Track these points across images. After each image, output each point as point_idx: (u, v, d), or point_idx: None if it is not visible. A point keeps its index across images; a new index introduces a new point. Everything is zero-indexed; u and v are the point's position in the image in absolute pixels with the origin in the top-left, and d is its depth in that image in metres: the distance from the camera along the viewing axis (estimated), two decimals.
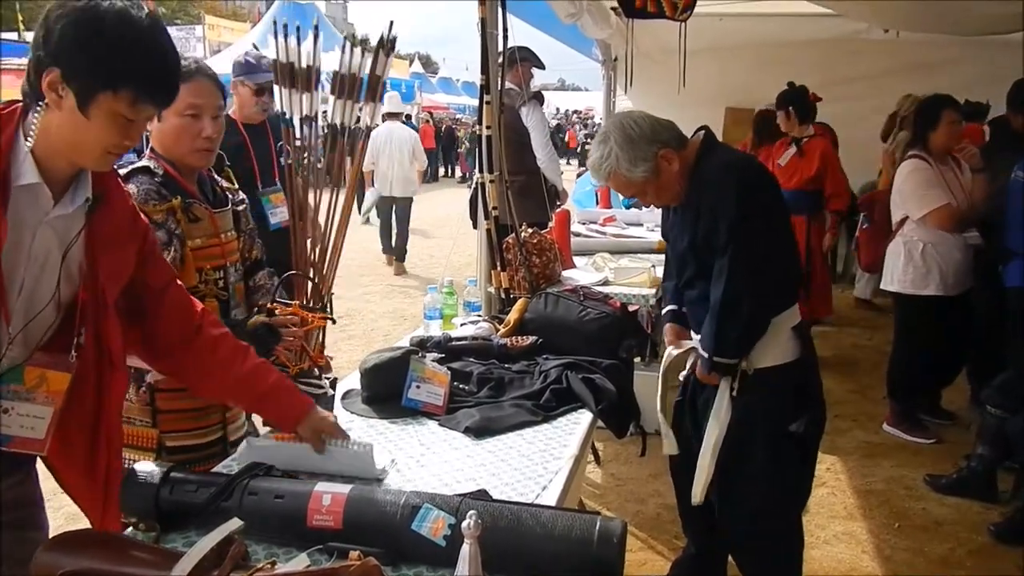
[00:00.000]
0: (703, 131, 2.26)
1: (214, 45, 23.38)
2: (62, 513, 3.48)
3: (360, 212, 11.26)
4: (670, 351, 2.37)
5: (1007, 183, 3.52)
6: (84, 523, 1.73)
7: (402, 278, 8.67)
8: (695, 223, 2.17)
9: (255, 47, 5.47)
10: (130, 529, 1.48)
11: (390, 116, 8.45)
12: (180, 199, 1.92)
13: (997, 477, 3.52)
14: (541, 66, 5.06)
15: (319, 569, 1.13)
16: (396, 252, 8.99)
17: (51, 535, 1.29)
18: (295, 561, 1.26)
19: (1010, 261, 3.56)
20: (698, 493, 2.26)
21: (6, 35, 21.64)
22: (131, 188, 1.82)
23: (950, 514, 3.42)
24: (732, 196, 2.07)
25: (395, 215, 8.89)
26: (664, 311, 2.49)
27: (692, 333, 2.35)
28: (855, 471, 3.83)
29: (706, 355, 2.17)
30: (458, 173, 22.42)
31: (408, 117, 22.64)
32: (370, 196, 9.67)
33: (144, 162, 1.95)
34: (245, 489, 1.46)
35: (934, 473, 3.70)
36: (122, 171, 1.85)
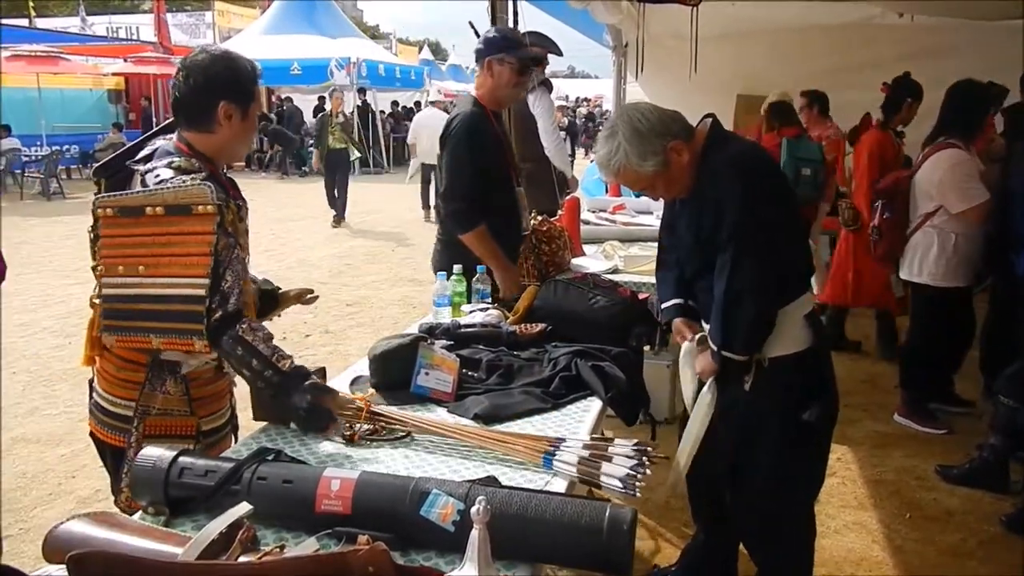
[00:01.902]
0: (709, 119, 2.22)
1: (224, 31, 23.38)
2: (73, 497, 3.52)
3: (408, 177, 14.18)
4: (686, 346, 2.32)
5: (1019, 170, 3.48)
6: (92, 509, 1.75)
7: (410, 269, 8.67)
8: (701, 215, 2.13)
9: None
10: (139, 513, 1.48)
11: (433, 104, 13.64)
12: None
13: (1009, 467, 3.50)
14: (558, 52, 5.00)
15: (327, 553, 1.13)
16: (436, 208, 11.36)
17: (63, 518, 1.29)
18: (304, 545, 1.25)
19: (1022, 250, 3.53)
20: (682, 463, 2.26)
21: (16, 21, 21.76)
22: (166, 172, 1.86)
23: (961, 504, 3.41)
24: (737, 189, 2.03)
25: (434, 179, 11.43)
26: (667, 305, 2.41)
27: (704, 324, 2.32)
28: (866, 461, 3.81)
29: (714, 347, 2.15)
30: None
31: (417, 104, 22.68)
32: (414, 164, 12.51)
33: (181, 159, 1.90)
34: (254, 473, 1.46)
35: (945, 463, 3.68)
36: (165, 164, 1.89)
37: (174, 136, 1.98)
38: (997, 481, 3.48)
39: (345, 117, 11.89)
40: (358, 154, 12.80)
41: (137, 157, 1.97)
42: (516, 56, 3.04)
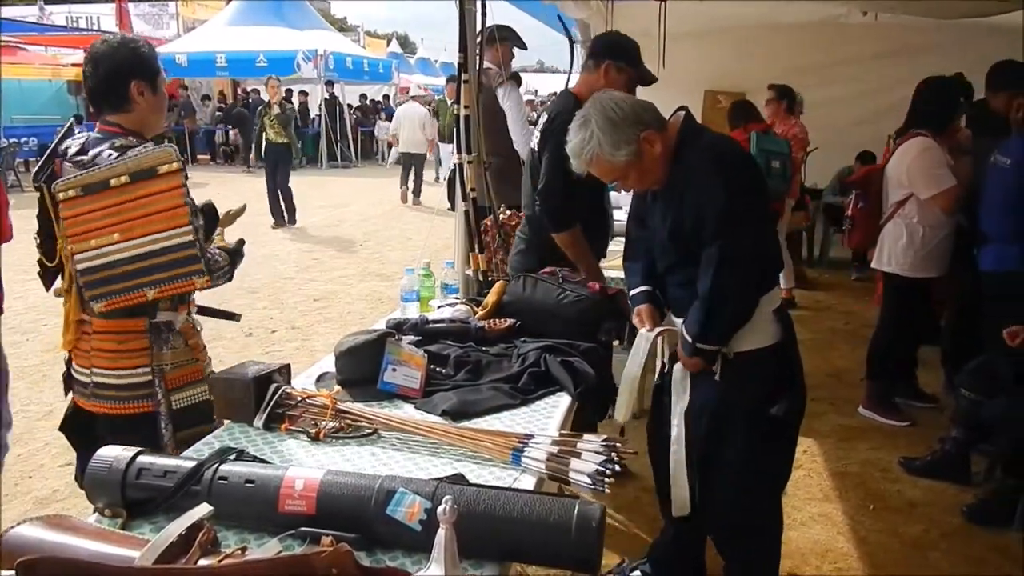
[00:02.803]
0: (682, 111, 2.22)
1: (188, 22, 23.00)
2: (30, 498, 3.43)
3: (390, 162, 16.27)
4: (646, 333, 2.31)
5: (984, 167, 3.54)
6: (50, 509, 1.70)
7: (378, 263, 8.60)
8: (678, 209, 2.12)
9: None
10: (95, 515, 1.44)
11: (413, 98, 14.29)
12: None
13: (970, 460, 3.56)
14: (523, 46, 4.99)
15: (290, 556, 1.10)
16: (414, 191, 12.96)
17: (19, 519, 1.25)
18: (266, 547, 1.22)
19: (985, 245, 3.59)
20: (682, 505, 2.29)
21: (25, 10, 21.05)
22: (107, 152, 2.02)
23: (924, 496, 3.46)
24: (719, 183, 2.02)
25: (413, 166, 12.99)
26: (635, 292, 2.40)
27: (672, 316, 2.32)
28: (831, 453, 3.86)
29: (689, 340, 2.14)
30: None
31: (386, 98, 22.49)
32: (394, 152, 14.22)
33: (119, 140, 2.06)
34: (215, 473, 1.43)
35: (909, 456, 3.73)
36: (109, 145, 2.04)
37: (92, 128, 2.16)
38: (959, 473, 3.54)
39: (283, 108, 10.56)
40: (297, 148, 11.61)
41: (71, 154, 2.08)
42: (637, 71, 2.90)
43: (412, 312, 2.76)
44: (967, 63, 4.62)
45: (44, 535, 1.23)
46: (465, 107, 3.37)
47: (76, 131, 2.19)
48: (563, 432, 1.84)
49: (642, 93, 2.73)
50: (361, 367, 2.10)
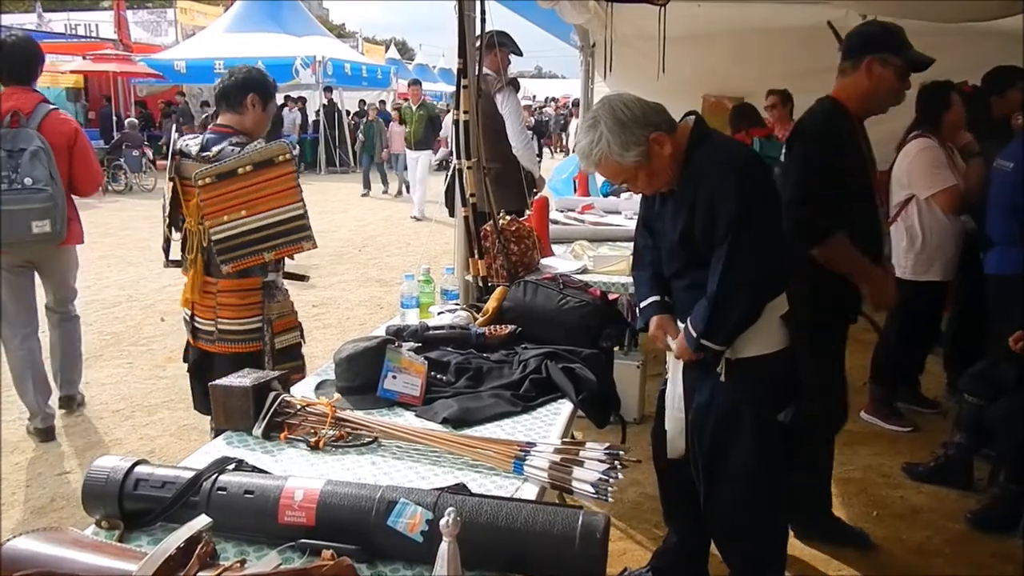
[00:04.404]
0: (693, 116, 2.21)
1: (188, 29, 23.01)
2: (28, 507, 3.40)
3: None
4: (675, 360, 2.29)
5: (989, 172, 3.53)
6: (47, 519, 1.68)
7: (378, 269, 8.58)
8: (689, 212, 2.10)
9: None
10: (92, 527, 1.42)
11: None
12: None
13: (973, 465, 3.54)
14: (519, 52, 4.98)
15: (290, 569, 1.08)
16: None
17: (16, 529, 1.23)
18: (265, 560, 1.20)
19: (990, 249, 3.58)
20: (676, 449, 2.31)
21: (24, 17, 21.02)
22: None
23: (927, 502, 3.44)
24: (731, 186, 2.01)
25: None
26: (646, 303, 2.38)
27: (679, 323, 2.30)
28: (834, 459, 3.82)
29: (694, 334, 2.13)
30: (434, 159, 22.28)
31: (382, 103, 22.51)
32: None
33: (235, 138, 2.74)
34: (214, 484, 1.41)
35: (911, 461, 3.71)
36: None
37: (207, 130, 2.84)
38: (962, 479, 3.52)
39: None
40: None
41: (194, 152, 2.73)
42: (902, 57, 2.62)
43: (412, 318, 2.74)
44: (967, 67, 4.61)
45: (39, 548, 1.21)
46: (464, 112, 3.36)
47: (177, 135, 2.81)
48: (565, 440, 1.82)
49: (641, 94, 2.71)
50: (361, 374, 2.08)
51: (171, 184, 2.80)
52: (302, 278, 3.12)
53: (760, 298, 2.09)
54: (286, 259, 2.85)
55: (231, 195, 2.56)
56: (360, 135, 16.18)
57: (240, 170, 2.56)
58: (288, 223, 2.60)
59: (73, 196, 3.93)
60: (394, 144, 14.19)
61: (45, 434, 4.05)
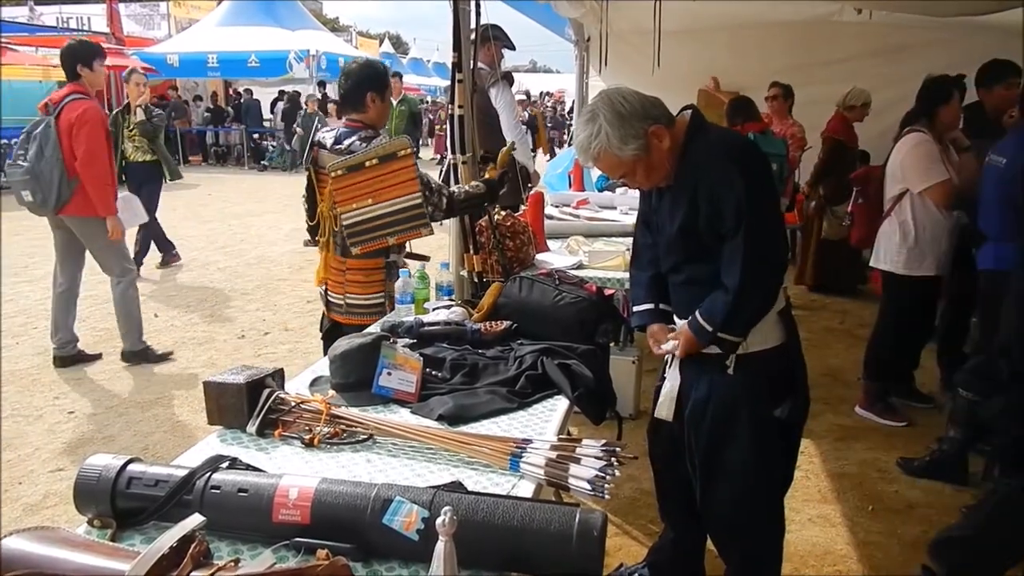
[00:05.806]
0: (690, 110, 2.19)
1: (182, 22, 22.89)
2: (20, 504, 3.38)
3: None
4: (670, 348, 2.29)
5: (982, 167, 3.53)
6: (40, 516, 1.67)
7: None
8: (689, 204, 2.09)
9: None
10: (84, 526, 1.40)
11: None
12: None
13: (968, 460, 3.54)
14: (511, 46, 4.96)
15: (284, 569, 1.07)
16: None
17: (9, 527, 1.21)
18: (259, 559, 1.19)
19: (983, 244, 3.58)
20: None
21: (15, 10, 20.88)
22: None
23: (922, 497, 3.44)
24: (736, 175, 2.00)
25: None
26: (640, 309, 2.38)
27: (676, 319, 2.29)
28: (828, 454, 3.84)
29: (710, 328, 2.11)
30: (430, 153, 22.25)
31: None
32: None
33: (362, 132, 2.99)
34: (207, 483, 1.39)
35: (906, 456, 3.71)
36: None
37: (340, 123, 3.09)
38: (957, 473, 3.53)
39: (148, 113, 7.09)
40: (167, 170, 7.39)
41: (329, 144, 3.00)
42: None
43: (407, 314, 2.73)
44: (963, 62, 4.61)
45: (30, 548, 1.19)
46: (459, 107, 3.35)
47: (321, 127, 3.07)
48: (561, 436, 1.81)
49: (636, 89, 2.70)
50: (356, 371, 2.06)
51: (307, 173, 3.09)
52: (424, 258, 3.24)
53: (778, 283, 2.11)
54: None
55: (359, 185, 2.81)
56: (298, 128, 15.90)
57: (367, 163, 2.80)
58: (409, 211, 2.81)
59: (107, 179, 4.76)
60: None
61: (59, 361, 5.06)
